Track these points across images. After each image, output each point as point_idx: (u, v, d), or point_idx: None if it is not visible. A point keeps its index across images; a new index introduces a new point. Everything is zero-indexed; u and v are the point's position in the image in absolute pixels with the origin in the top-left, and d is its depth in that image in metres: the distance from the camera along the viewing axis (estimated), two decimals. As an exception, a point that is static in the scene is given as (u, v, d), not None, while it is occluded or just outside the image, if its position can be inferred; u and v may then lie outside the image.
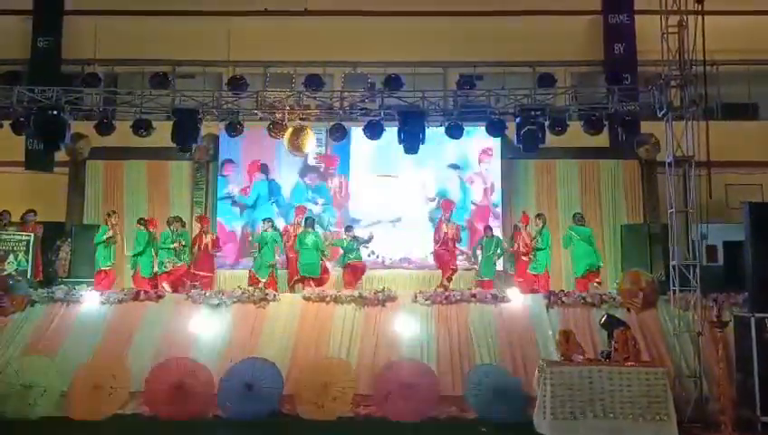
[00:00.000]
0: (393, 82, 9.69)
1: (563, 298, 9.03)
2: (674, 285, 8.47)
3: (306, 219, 10.97)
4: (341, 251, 11.04)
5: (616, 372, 6.91)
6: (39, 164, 13.01)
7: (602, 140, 10.83)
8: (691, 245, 9.06)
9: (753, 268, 7.82)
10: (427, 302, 9.04)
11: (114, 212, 10.98)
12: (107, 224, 10.66)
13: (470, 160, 12.37)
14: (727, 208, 11.82)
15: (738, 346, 7.69)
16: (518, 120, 9.45)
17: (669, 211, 8.66)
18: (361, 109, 9.93)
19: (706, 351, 7.94)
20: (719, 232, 11.23)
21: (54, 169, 12.83)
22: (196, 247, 10.85)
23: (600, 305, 8.85)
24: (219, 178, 12.38)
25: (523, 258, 10.72)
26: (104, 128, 9.82)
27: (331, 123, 10.06)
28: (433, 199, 11.42)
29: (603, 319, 7.85)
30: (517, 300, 9.08)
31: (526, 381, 7.82)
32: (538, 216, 10.94)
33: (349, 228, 11.12)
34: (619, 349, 7.11)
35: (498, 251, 11.02)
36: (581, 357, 7.24)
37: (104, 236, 10.48)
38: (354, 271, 10.76)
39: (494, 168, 12.32)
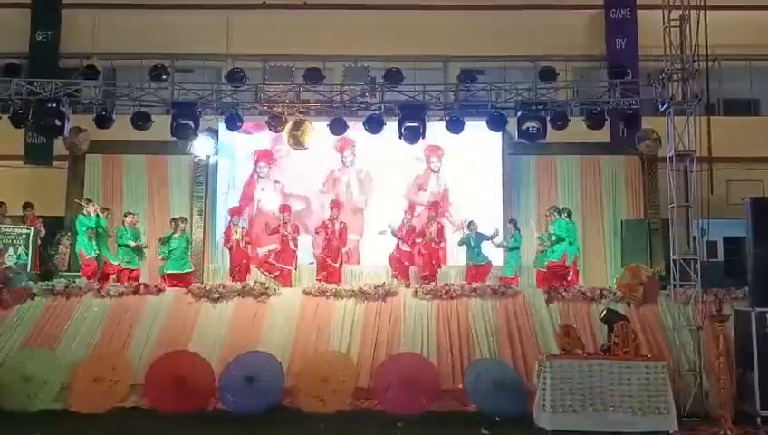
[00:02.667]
0: (393, 76, 9.66)
1: (563, 293, 9.03)
2: (674, 280, 8.46)
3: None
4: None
5: (616, 365, 6.91)
6: (38, 158, 13.01)
7: (603, 135, 10.82)
8: (691, 240, 9.06)
9: (754, 263, 7.83)
10: (428, 296, 9.04)
11: (90, 201, 10.82)
12: (89, 213, 10.42)
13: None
14: (728, 204, 11.82)
15: (738, 341, 7.69)
16: (519, 114, 9.43)
17: (670, 206, 8.65)
18: (361, 103, 9.89)
19: (706, 345, 7.94)
20: (719, 228, 11.23)
21: (53, 162, 12.84)
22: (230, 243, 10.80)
23: (601, 300, 8.85)
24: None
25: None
26: (103, 121, 9.79)
27: (331, 117, 10.03)
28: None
29: (603, 313, 7.86)
30: (518, 295, 9.09)
31: (526, 374, 7.83)
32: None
33: (472, 224, 10.91)
34: (619, 343, 7.10)
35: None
36: (581, 351, 7.24)
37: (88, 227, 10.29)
38: (478, 272, 10.56)
39: (492, 163, 12.31)
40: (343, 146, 12.10)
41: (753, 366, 7.31)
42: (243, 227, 11.09)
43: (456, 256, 11.47)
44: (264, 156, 12.29)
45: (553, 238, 10.33)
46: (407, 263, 10.83)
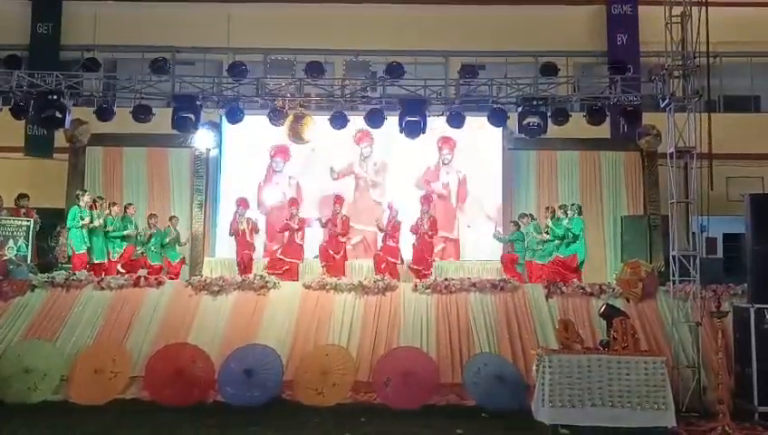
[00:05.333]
0: (395, 71, 9.65)
1: (563, 288, 9.05)
2: (673, 276, 8.48)
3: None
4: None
5: (615, 360, 6.91)
6: (39, 150, 13.03)
7: (603, 130, 10.81)
8: (691, 236, 9.08)
9: (753, 259, 7.83)
10: (428, 290, 9.06)
11: (85, 191, 10.79)
12: (81, 205, 10.34)
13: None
14: (728, 201, 11.83)
15: (737, 337, 7.73)
16: (520, 109, 9.43)
17: (670, 202, 8.66)
18: (362, 97, 9.89)
19: (705, 341, 7.98)
20: (719, 224, 11.24)
21: (54, 154, 12.84)
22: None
23: (600, 295, 8.87)
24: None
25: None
26: (104, 114, 9.78)
27: (332, 111, 10.02)
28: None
29: (602, 309, 7.84)
30: (517, 289, 9.11)
31: (525, 369, 7.86)
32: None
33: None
34: (617, 338, 7.10)
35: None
36: (580, 346, 7.26)
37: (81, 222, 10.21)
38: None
39: (493, 158, 12.29)
40: (361, 138, 12.08)
41: (751, 362, 7.33)
42: (249, 218, 11.08)
43: (473, 251, 11.62)
44: (281, 151, 12.17)
45: (570, 235, 10.21)
46: (393, 260, 10.73)
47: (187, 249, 11.81)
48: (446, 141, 12.09)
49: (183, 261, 11.22)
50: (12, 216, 10.66)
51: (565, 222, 10.32)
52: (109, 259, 10.50)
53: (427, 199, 11.24)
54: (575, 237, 10.23)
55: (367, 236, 11.85)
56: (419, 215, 11.03)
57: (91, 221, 10.26)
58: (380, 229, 11.01)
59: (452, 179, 12.32)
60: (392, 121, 9.74)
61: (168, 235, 10.96)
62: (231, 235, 11.08)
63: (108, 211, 10.62)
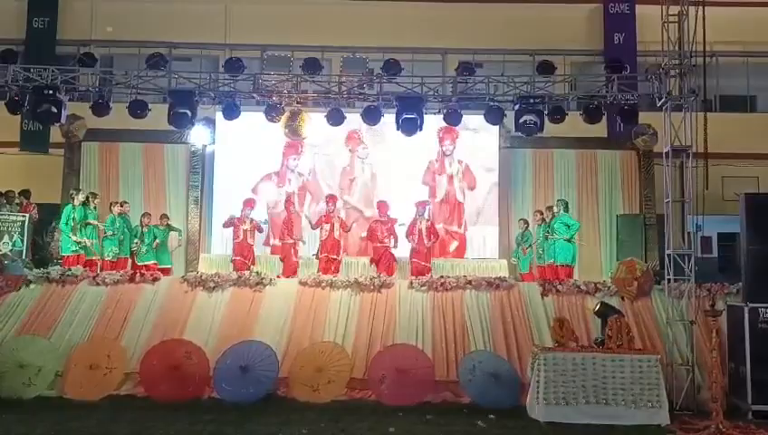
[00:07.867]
0: (392, 68, 9.64)
1: (558, 286, 9.07)
2: (668, 275, 8.51)
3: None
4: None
5: (609, 358, 6.97)
6: (34, 145, 12.99)
7: (600, 129, 10.84)
8: (686, 235, 9.11)
9: (748, 258, 7.86)
10: (423, 288, 9.07)
11: (79, 190, 10.75)
12: (75, 205, 10.29)
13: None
14: (723, 200, 11.87)
15: (731, 335, 7.76)
16: (517, 107, 9.44)
17: (666, 201, 8.69)
18: (359, 94, 9.88)
19: (699, 339, 8.02)
20: (714, 224, 11.27)
21: (49, 150, 12.80)
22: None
23: (595, 294, 8.89)
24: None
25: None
26: (100, 109, 9.74)
27: (329, 108, 10.01)
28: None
29: (597, 307, 7.91)
30: (513, 288, 9.13)
31: (520, 367, 7.88)
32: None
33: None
34: (612, 336, 7.16)
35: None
36: (575, 344, 7.29)
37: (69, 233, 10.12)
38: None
39: (488, 154, 12.30)
40: (352, 141, 11.94)
41: (745, 361, 7.37)
42: (252, 219, 11.05)
43: (479, 249, 11.66)
44: (293, 148, 11.89)
45: (562, 236, 10.22)
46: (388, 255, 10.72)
47: (183, 246, 11.80)
48: (447, 132, 11.79)
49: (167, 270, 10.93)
50: (11, 210, 10.66)
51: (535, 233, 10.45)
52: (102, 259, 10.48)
53: (422, 204, 11.20)
54: (569, 239, 10.26)
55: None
56: (414, 217, 10.99)
57: (81, 229, 10.23)
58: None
59: (455, 170, 12.15)
60: (389, 119, 9.76)
61: (164, 233, 10.93)
62: (226, 226, 10.98)
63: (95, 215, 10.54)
